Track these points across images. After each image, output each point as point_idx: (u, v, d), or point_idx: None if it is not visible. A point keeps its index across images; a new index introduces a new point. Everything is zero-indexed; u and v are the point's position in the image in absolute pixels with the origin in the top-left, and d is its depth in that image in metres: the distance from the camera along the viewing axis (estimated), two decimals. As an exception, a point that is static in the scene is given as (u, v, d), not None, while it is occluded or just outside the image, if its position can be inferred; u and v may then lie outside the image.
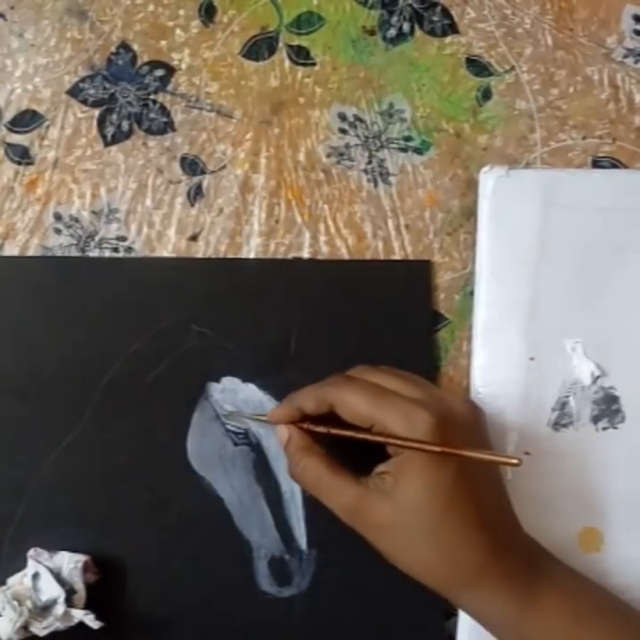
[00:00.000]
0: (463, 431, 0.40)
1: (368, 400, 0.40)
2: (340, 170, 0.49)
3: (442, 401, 0.41)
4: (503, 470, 0.44)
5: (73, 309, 0.46)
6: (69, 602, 0.42)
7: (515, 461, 0.37)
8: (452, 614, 0.45)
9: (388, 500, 0.39)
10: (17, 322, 0.46)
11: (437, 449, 0.38)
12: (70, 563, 0.43)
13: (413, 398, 0.40)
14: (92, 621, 0.41)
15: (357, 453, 0.40)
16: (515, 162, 0.49)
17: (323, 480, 0.40)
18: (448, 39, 0.50)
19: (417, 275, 0.48)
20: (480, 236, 0.47)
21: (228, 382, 0.46)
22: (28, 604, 0.41)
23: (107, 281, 0.47)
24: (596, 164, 0.49)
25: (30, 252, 0.47)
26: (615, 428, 0.46)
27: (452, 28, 0.50)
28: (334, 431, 0.41)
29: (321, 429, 0.41)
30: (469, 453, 0.38)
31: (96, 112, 0.48)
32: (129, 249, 0.48)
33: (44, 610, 0.42)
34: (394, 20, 0.50)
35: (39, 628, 0.41)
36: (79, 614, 0.41)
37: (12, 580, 0.43)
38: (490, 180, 0.47)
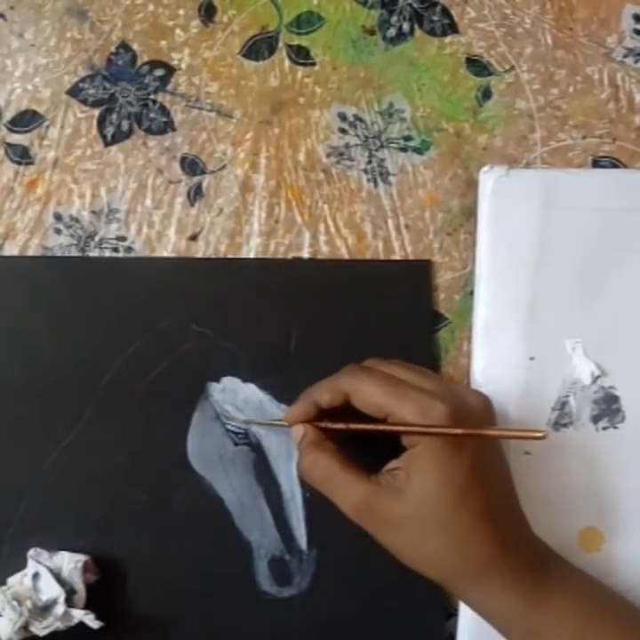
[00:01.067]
0: (476, 421, 0.40)
1: (384, 390, 0.40)
2: (340, 170, 0.49)
3: (454, 392, 0.41)
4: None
5: (73, 309, 0.46)
6: (69, 602, 0.42)
7: (539, 434, 0.36)
8: (452, 614, 0.45)
9: (400, 495, 0.38)
10: (17, 322, 0.46)
11: (459, 431, 0.38)
12: (70, 563, 0.43)
13: (428, 389, 0.40)
14: (91, 621, 0.41)
15: (367, 451, 0.40)
16: (515, 162, 0.49)
17: (333, 476, 0.40)
18: (448, 39, 0.50)
19: (417, 275, 0.48)
20: (480, 235, 0.47)
21: (228, 382, 0.46)
22: (28, 604, 0.41)
23: (107, 281, 0.47)
24: (596, 163, 0.49)
25: (30, 252, 0.47)
26: (615, 427, 0.46)
27: (451, 28, 0.50)
28: (354, 426, 0.41)
29: (340, 426, 0.41)
30: (492, 432, 0.38)
31: (96, 112, 0.48)
32: (129, 249, 0.48)
33: (44, 610, 0.42)
34: (394, 19, 0.50)
35: (39, 628, 0.41)
36: (79, 614, 0.41)
37: (12, 580, 0.43)
38: (490, 179, 0.47)
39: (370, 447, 0.40)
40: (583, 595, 0.40)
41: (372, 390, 0.40)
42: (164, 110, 0.49)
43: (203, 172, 0.48)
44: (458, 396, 0.41)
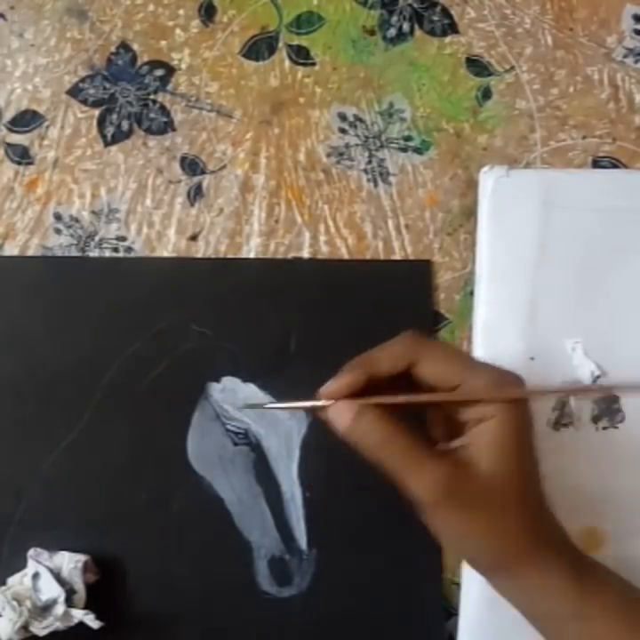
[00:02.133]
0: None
1: (456, 359, 0.38)
2: (340, 170, 0.49)
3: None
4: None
5: (73, 309, 0.46)
6: (69, 602, 0.42)
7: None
8: (452, 614, 0.45)
9: (476, 474, 0.36)
10: (17, 322, 0.46)
11: (542, 390, 0.37)
12: (70, 563, 0.43)
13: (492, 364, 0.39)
14: (92, 621, 0.41)
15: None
16: (515, 162, 0.49)
17: (411, 455, 0.37)
18: (448, 39, 0.50)
19: (417, 275, 0.48)
20: (480, 235, 0.47)
21: (228, 382, 0.46)
22: (28, 604, 0.41)
23: (107, 281, 0.47)
24: (596, 163, 0.49)
25: (30, 252, 0.47)
26: (615, 427, 0.46)
27: (451, 28, 0.50)
28: (416, 398, 0.37)
29: (401, 399, 0.37)
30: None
31: (96, 112, 0.48)
32: (129, 249, 0.48)
33: (44, 610, 0.42)
34: (394, 19, 0.50)
35: (39, 628, 0.41)
36: (79, 614, 0.41)
37: (12, 580, 0.43)
38: (490, 179, 0.47)
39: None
40: (620, 580, 0.39)
41: (445, 358, 0.38)
42: (163, 110, 0.49)
43: (203, 172, 0.48)
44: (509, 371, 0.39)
